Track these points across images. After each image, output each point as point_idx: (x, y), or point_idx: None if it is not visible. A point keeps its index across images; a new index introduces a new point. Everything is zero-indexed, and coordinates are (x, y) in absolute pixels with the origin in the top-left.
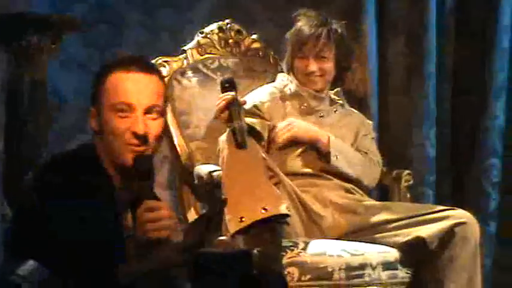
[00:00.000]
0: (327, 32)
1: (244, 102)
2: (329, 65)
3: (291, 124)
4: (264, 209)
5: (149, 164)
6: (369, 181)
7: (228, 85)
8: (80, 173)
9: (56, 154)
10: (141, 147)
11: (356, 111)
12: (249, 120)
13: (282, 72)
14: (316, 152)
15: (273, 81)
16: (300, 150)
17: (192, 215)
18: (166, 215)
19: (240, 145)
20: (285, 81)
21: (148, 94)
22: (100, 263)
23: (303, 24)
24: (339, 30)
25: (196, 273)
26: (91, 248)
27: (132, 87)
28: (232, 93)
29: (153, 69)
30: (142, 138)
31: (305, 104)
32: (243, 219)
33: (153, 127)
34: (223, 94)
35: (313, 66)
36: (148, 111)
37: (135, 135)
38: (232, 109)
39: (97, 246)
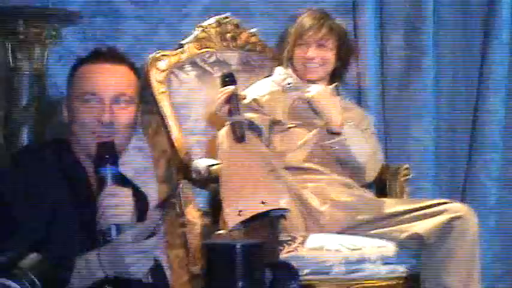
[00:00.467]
0: (329, 23)
1: (244, 97)
2: (329, 55)
3: (319, 90)
4: (263, 202)
5: (110, 149)
6: (369, 174)
7: (228, 79)
8: (53, 160)
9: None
10: (108, 136)
11: (356, 105)
12: (248, 115)
13: (279, 66)
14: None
15: (271, 75)
16: (302, 141)
17: (190, 210)
18: (126, 201)
19: (240, 139)
20: (282, 74)
21: (115, 84)
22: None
23: (306, 16)
24: (342, 26)
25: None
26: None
27: (99, 77)
28: (232, 87)
29: (122, 60)
30: (108, 127)
31: (304, 98)
32: (241, 213)
33: (121, 116)
34: (224, 88)
35: (313, 53)
36: (115, 100)
37: (101, 124)
38: (233, 103)
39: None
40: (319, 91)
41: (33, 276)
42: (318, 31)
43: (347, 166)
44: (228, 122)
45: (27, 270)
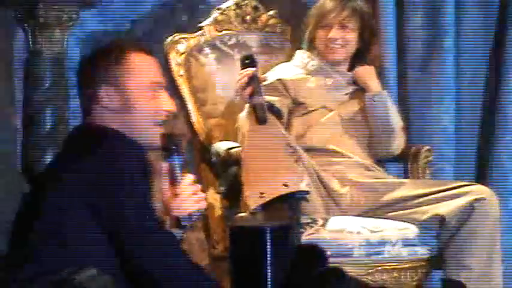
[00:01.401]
0: (352, 5)
1: (265, 79)
2: (352, 36)
3: (366, 68)
4: (285, 185)
5: (176, 139)
6: (397, 144)
7: (248, 61)
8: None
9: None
10: (162, 125)
11: None
12: (268, 98)
13: (300, 49)
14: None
15: (290, 57)
16: (322, 119)
17: (211, 194)
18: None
19: (261, 120)
20: (305, 58)
21: (161, 73)
22: None
23: None
24: (364, 8)
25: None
26: None
27: (155, 66)
28: (253, 69)
29: (152, 52)
30: (171, 116)
31: (330, 79)
32: (263, 195)
33: (174, 105)
34: (244, 70)
35: (335, 34)
36: (166, 89)
37: (167, 112)
38: (253, 85)
39: None
40: (362, 67)
41: None
42: (341, 12)
43: (379, 128)
44: (248, 105)
45: (85, 285)
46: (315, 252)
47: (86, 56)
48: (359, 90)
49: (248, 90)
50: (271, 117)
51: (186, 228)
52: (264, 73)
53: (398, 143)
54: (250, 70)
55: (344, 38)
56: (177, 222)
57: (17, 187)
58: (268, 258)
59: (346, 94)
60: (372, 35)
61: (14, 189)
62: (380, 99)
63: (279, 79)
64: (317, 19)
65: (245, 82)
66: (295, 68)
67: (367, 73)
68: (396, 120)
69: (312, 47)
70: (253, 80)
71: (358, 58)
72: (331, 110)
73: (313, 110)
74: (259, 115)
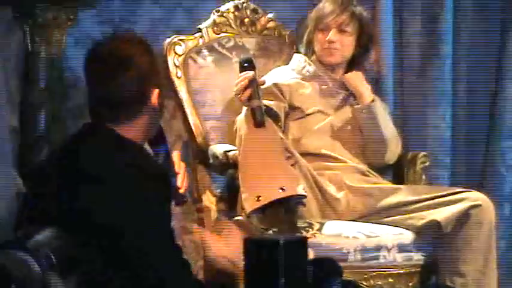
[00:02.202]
0: (351, 9)
1: (263, 82)
2: (349, 40)
3: (355, 73)
4: (282, 188)
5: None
6: (390, 154)
7: (247, 64)
8: None
9: None
10: None
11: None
12: (265, 101)
13: (298, 52)
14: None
15: (289, 60)
16: (317, 127)
17: (207, 197)
18: None
19: (259, 123)
20: (302, 62)
21: None
22: None
23: (327, 1)
24: (363, 13)
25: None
26: None
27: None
28: (252, 72)
29: None
30: None
31: (324, 86)
32: (260, 199)
33: None
34: (243, 73)
35: (333, 36)
36: None
37: None
38: (252, 88)
39: None
40: (351, 73)
41: (49, 252)
42: (339, 16)
43: (370, 140)
44: (246, 107)
45: (43, 245)
46: (330, 266)
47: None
48: (352, 95)
49: (247, 93)
50: (268, 121)
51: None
52: (261, 76)
53: (391, 153)
54: (249, 73)
55: (341, 41)
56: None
57: (13, 187)
58: (282, 271)
59: (342, 100)
60: (369, 41)
61: (11, 189)
62: (369, 111)
63: (275, 83)
64: (316, 22)
65: (244, 85)
66: (291, 72)
67: (356, 78)
68: (389, 131)
69: (309, 50)
70: (252, 83)
71: (353, 63)
72: (326, 115)
73: (309, 114)
74: (257, 118)
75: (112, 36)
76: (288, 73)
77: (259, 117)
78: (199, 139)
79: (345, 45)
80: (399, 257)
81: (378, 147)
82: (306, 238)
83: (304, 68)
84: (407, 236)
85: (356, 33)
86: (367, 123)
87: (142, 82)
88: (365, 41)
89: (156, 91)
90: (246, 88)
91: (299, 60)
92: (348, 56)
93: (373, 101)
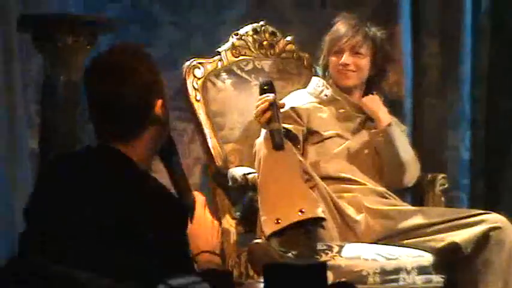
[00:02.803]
0: (364, 30)
1: (283, 105)
2: (364, 61)
3: (372, 97)
4: (301, 211)
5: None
6: (409, 177)
7: (267, 87)
8: None
9: None
10: None
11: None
12: (284, 125)
13: (316, 76)
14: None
15: (307, 83)
16: (335, 151)
17: (227, 219)
18: None
19: (279, 146)
20: (320, 86)
21: None
22: None
23: (341, 23)
24: (378, 33)
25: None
26: None
27: None
28: (272, 95)
29: None
30: None
31: (342, 109)
32: (280, 221)
33: None
34: (263, 96)
35: (347, 59)
36: None
37: None
38: (272, 111)
39: None
40: (368, 97)
41: None
42: (352, 38)
43: (388, 163)
44: (266, 130)
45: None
46: None
47: None
48: (370, 118)
49: (267, 115)
50: (287, 144)
51: None
52: (280, 99)
53: (410, 176)
54: (269, 96)
55: (356, 64)
56: None
57: None
58: None
59: (359, 123)
60: (384, 61)
61: None
62: (386, 135)
63: (292, 107)
64: (330, 45)
65: (264, 108)
66: (308, 96)
67: (373, 102)
68: (407, 154)
69: (326, 73)
70: (272, 105)
71: (371, 84)
72: (344, 139)
73: (327, 138)
74: (276, 141)
75: (112, 48)
76: (306, 97)
77: (279, 140)
78: (218, 162)
79: (359, 67)
80: (418, 279)
81: (396, 171)
82: (325, 263)
83: (322, 92)
84: (427, 258)
85: (370, 54)
86: (385, 147)
87: (145, 92)
88: (380, 61)
89: (159, 101)
90: (266, 111)
91: (317, 83)
92: (364, 77)
93: (389, 124)
